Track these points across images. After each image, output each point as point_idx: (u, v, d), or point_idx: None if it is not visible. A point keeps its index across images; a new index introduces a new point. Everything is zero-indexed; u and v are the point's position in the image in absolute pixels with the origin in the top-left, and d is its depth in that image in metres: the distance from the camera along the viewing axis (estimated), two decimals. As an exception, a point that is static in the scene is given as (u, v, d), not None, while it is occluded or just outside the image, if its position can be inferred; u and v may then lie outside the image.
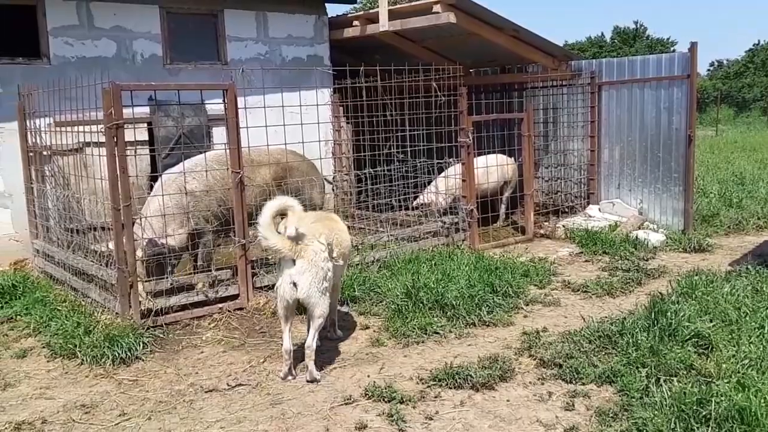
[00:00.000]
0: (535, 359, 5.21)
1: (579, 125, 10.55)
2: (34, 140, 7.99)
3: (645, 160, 9.77)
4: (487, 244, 8.99)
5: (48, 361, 5.62)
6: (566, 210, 10.54)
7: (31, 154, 8.07)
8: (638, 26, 50.09)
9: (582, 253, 8.63)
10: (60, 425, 4.52)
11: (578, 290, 7.03)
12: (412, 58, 10.18)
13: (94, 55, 8.72)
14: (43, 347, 5.87)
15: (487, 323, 6.07)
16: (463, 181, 8.92)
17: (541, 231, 9.80)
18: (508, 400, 4.60)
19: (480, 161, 9.54)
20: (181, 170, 6.92)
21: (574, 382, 4.76)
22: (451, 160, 9.44)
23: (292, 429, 4.33)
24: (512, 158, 10.33)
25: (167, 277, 6.63)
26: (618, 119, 10.06)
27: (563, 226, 9.73)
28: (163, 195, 6.67)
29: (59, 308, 6.48)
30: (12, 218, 8.32)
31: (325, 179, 9.11)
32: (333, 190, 9.75)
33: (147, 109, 8.63)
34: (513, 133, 10.11)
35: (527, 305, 6.59)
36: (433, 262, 7.43)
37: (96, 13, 8.73)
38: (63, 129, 7.31)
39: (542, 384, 4.81)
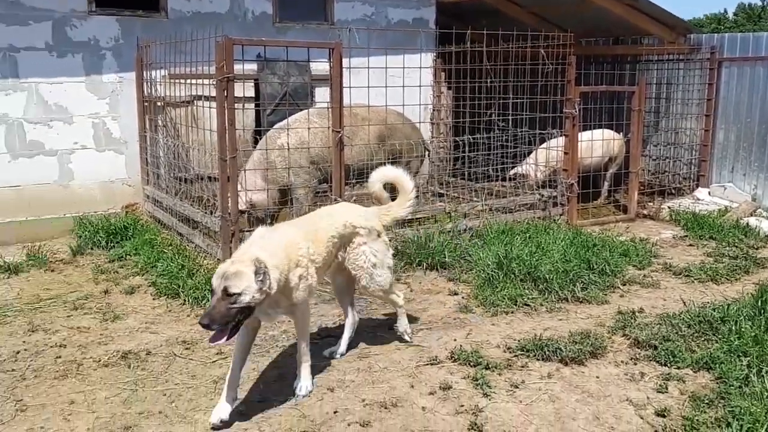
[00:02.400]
0: (628, 339, 5.05)
1: (694, 103, 9.99)
2: (149, 91, 8.40)
3: (763, 143, 9.15)
4: (585, 221, 8.73)
5: (153, 299, 5.98)
6: (673, 191, 10.07)
7: (146, 104, 8.49)
8: (765, 3, 46.50)
9: (686, 236, 8.23)
10: (162, 357, 4.81)
11: (680, 274, 6.74)
12: (519, 24, 9.88)
13: (208, 11, 8.99)
14: (150, 286, 6.25)
15: (581, 300, 5.93)
16: (566, 153, 8.66)
17: (644, 211, 9.40)
18: (597, 377, 4.50)
19: (585, 134, 9.21)
20: (283, 126, 7.09)
21: (668, 365, 4.59)
22: (554, 131, 9.15)
23: (378, 382, 4.42)
24: (619, 134, 9.92)
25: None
26: (737, 98, 9.45)
27: (668, 207, 9.31)
28: (266, 149, 6.87)
29: (165, 251, 6.87)
30: (126, 164, 8.80)
31: (424, 144, 9.08)
32: (428, 156, 9.69)
33: (255, 66, 8.85)
34: (622, 107, 9.70)
35: (624, 285, 6.38)
36: (527, 235, 7.29)
37: (213, -30, 8.99)
38: (176, 81, 7.63)
39: (635, 364, 4.67)
